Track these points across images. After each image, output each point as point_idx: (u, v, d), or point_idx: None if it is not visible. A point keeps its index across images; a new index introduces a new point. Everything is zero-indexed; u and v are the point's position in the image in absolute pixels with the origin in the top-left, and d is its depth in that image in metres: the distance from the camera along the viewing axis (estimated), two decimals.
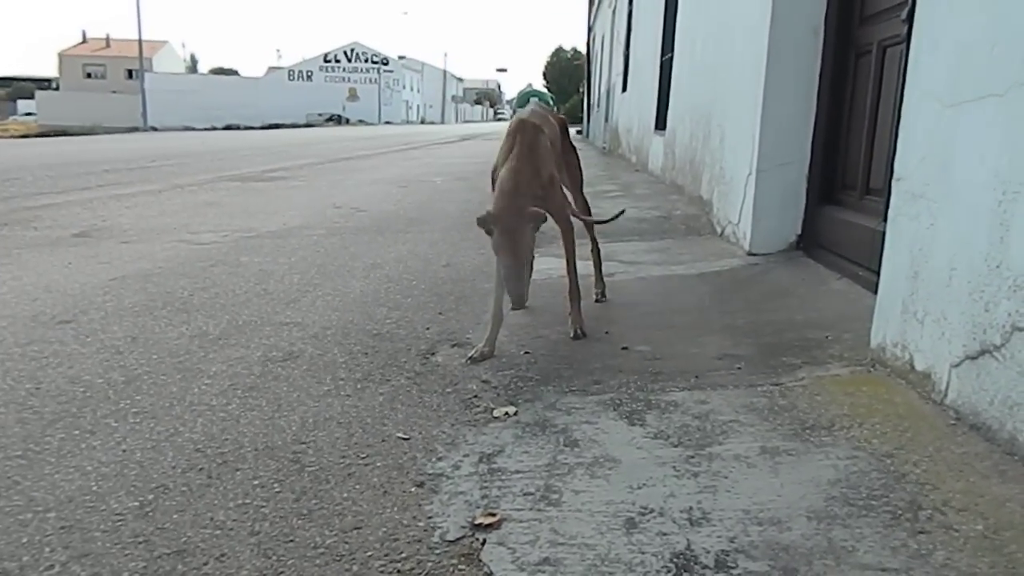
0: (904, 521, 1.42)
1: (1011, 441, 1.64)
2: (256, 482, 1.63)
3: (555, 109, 3.49)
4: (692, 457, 1.71)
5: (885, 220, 2.38)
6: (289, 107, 50.04)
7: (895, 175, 2.26)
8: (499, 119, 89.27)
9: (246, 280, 3.52)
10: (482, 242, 4.66)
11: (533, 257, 2.35)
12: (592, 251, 3.20)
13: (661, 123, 8.06)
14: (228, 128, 36.83)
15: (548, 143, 2.60)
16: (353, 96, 60.54)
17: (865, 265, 3.00)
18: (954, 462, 1.64)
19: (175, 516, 1.50)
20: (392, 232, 4.99)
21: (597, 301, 3.11)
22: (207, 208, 6.17)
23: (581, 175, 3.14)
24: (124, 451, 1.77)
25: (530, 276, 2.35)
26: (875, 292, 2.37)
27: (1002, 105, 1.75)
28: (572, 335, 2.62)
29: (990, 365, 1.73)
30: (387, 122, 57.72)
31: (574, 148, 3.12)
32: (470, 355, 2.41)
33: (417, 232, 4.99)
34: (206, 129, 34.52)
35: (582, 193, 3.13)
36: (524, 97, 22.54)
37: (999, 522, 1.40)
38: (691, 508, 1.49)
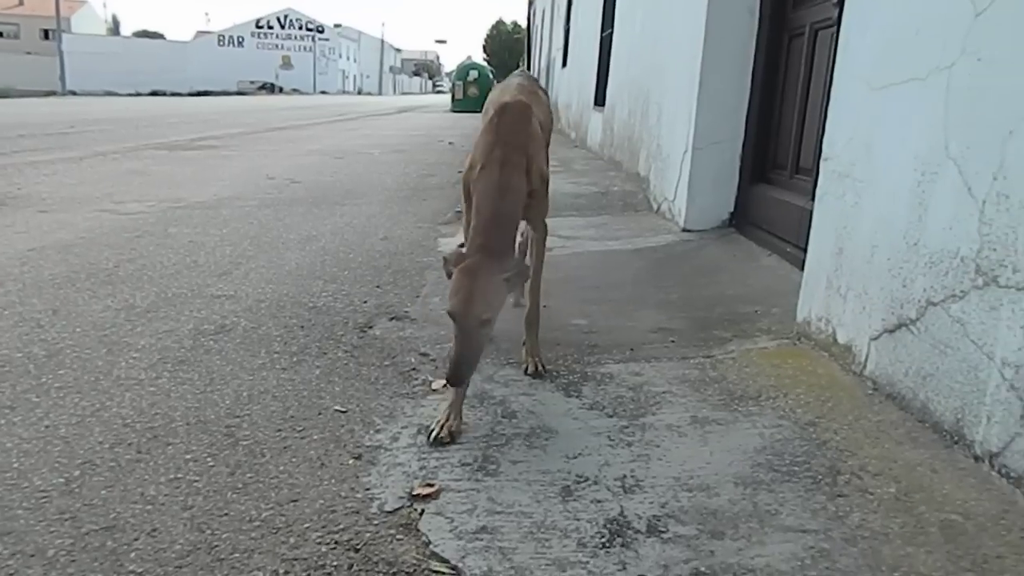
0: (824, 485, 1.49)
1: (923, 409, 1.74)
2: (188, 456, 1.61)
3: (494, 82, 2.81)
4: (626, 427, 1.76)
5: (813, 199, 2.46)
6: (219, 74, 48.31)
7: (823, 155, 2.34)
8: (438, 91, 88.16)
9: (175, 252, 3.42)
10: (420, 216, 4.64)
11: (493, 322, 1.72)
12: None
13: (600, 99, 8.10)
14: (154, 94, 35.37)
15: (539, 127, 2.06)
16: (287, 64, 58.83)
17: (794, 242, 3.10)
18: (871, 430, 1.72)
19: (103, 492, 1.46)
20: (328, 204, 4.90)
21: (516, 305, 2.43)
22: (132, 177, 5.95)
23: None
24: (47, 427, 1.71)
25: (486, 344, 1.79)
26: (802, 268, 2.46)
27: (924, 89, 1.82)
28: (525, 370, 2.07)
29: (906, 338, 1.82)
30: (322, 92, 56.35)
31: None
32: (433, 434, 1.69)
33: (354, 204, 4.92)
34: (130, 95, 33.08)
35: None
36: (463, 70, 22.32)
37: (910, 485, 1.48)
38: (625, 476, 1.54)
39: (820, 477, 1.52)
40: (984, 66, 1.62)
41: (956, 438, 1.62)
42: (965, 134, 1.66)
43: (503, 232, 1.77)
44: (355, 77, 73.31)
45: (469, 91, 21.33)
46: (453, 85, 22.98)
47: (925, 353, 1.74)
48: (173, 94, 35.84)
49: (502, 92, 2.16)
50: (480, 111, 2.07)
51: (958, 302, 1.63)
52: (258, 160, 7.49)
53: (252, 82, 50.89)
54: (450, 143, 9.59)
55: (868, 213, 2.05)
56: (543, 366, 2.09)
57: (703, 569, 1.24)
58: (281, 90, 51.33)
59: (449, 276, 1.73)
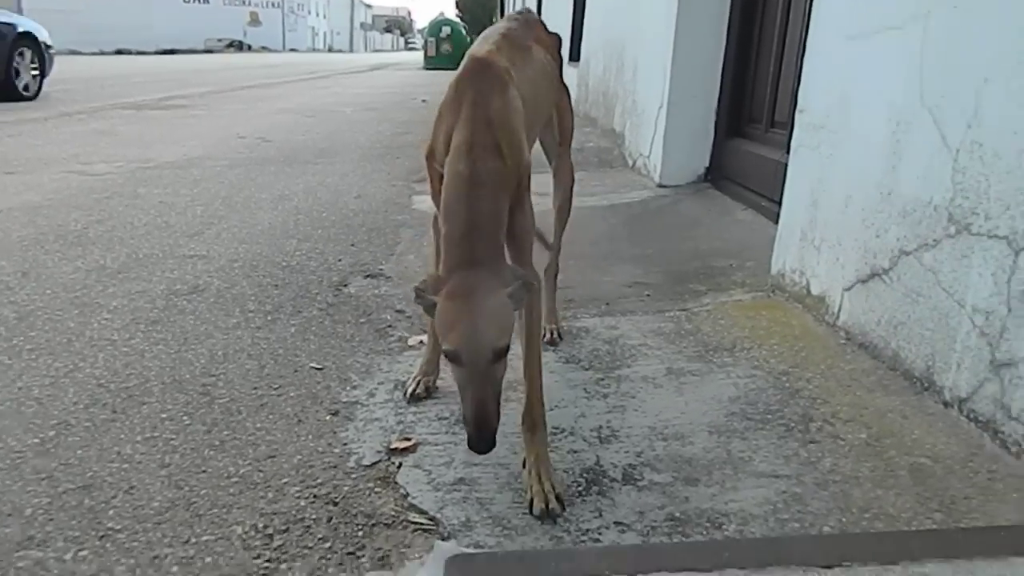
0: (796, 432, 1.52)
1: (895, 357, 1.77)
2: (164, 415, 1.60)
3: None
4: (602, 379, 1.77)
5: (788, 152, 2.46)
6: (185, 32, 46.90)
7: (798, 107, 2.33)
8: (410, 48, 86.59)
9: (145, 212, 3.36)
10: (395, 174, 4.59)
11: (508, 350, 1.27)
12: (546, 270, 2.04)
13: (575, 54, 8.00)
14: (119, 53, 34.40)
15: (518, 100, 1.45)
16: (255, 21, 57.29)
17: (768, 196, 3.11)
18: (843, 378, 1.75)
19: (79, 452, 1.45)
20: (300, 163, 4.83)
21: (550, 342, 1.99)
22: (99, 137, 5.80)
23: (572, 125, 2.02)
24: (20, 388, 1.69)
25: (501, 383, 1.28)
26: (777, 222, 2.47)
27: (900, 38, 1.81)
28: (529, 509, 1.31)
29: (878, 288, 1.84)
30: (292, 50, 55.12)
31: (565, 86, 2.00)
32: (408, 390, 1.70)
33: (327, 163, 4.85)
34: (94, 54, 32.11)
35: (568, 156, 2.02)
36: (436, 26, 21.92)
37: (881, 431, 1.52)
38: (601, 427, 1.55)
39: (793, 424, 1.55)
40: (960, 13, 1.61)
41: (926, 385, 1.65)
42: (940, 83, 1.66)
43: (488, 237, 1.31)
44: (325, 34, 71.71)
45: (442, 48, 21.00)
46: (425, 42, 22.59)
47: (897, 302, 1.76)
48: (139, 53, 34.87)
49: (481, 45, 1.59)
50: (455, 68, 1.51)
51: (930, 251, 1.65)
52: (228, 119, 7.34)
53: (220, 40, 49.57)
54: (424, 100, 9.45)
55: (843, 164, 2.06)
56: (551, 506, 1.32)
57: (677, 515, 1.26)
58: (250, 48, 50.09)
59: (429, 310, 1.31)
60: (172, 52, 36.26)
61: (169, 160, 4.78)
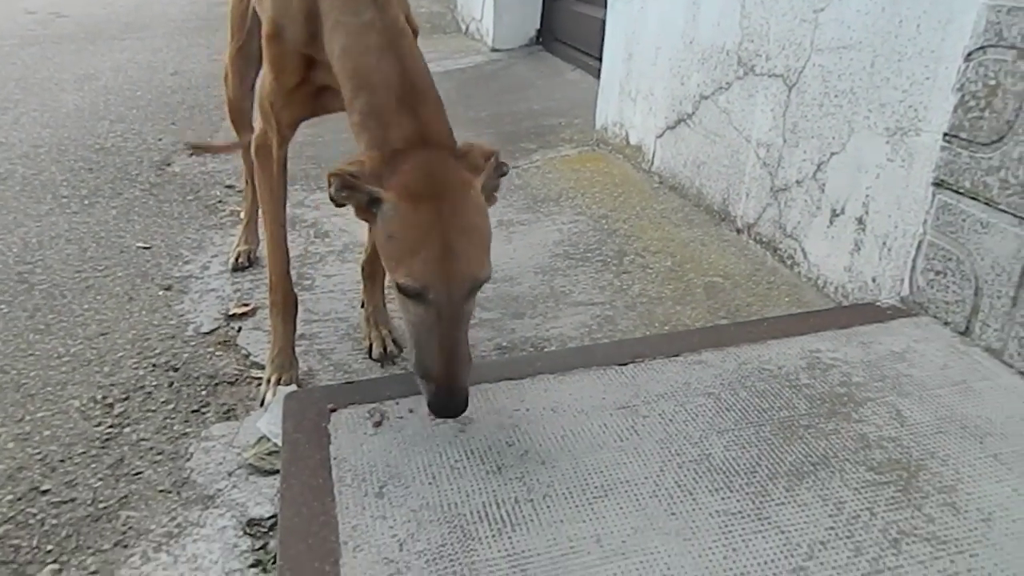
0: (612, 266, 1.67)
1: (698, 195, 1.95)
2: None
3: None
4: None
5: None
6: None
7: None
8: None
9: None
10: (214, 48, 4.28)
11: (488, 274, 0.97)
12: None
13: None
14: None
15: None
16: None
17: (595, 55, 3.19)
18: (654, 217, 1.92)
19: None
20: (105, 39, 4.40)
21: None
22: None
23: None
24: None
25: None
26: None
27: None
28: (368, 354, 1.36)
29: (684, 132, 2.00)
30: None
31: None
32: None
33: (136, 39, 4.45)
34: None
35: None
36: None
37: (683, 258, 1.69)
38: None
39: (608, 260, 1.70)
40: None
41: (723, 216, 1.84)
42: None
43: (434, 102, 1.00)
44: None
45: None
46: None
47: (699, 144, 1.93)
48: None
49: None
50: None
51: (724, 93, 1.80)
52: None
53: None
54: None
55: (652, 16, 2.15)
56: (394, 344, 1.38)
57: (505, 344, 1.39)
58: None
59: (362, 210, 0.95)
60: None
61: None
